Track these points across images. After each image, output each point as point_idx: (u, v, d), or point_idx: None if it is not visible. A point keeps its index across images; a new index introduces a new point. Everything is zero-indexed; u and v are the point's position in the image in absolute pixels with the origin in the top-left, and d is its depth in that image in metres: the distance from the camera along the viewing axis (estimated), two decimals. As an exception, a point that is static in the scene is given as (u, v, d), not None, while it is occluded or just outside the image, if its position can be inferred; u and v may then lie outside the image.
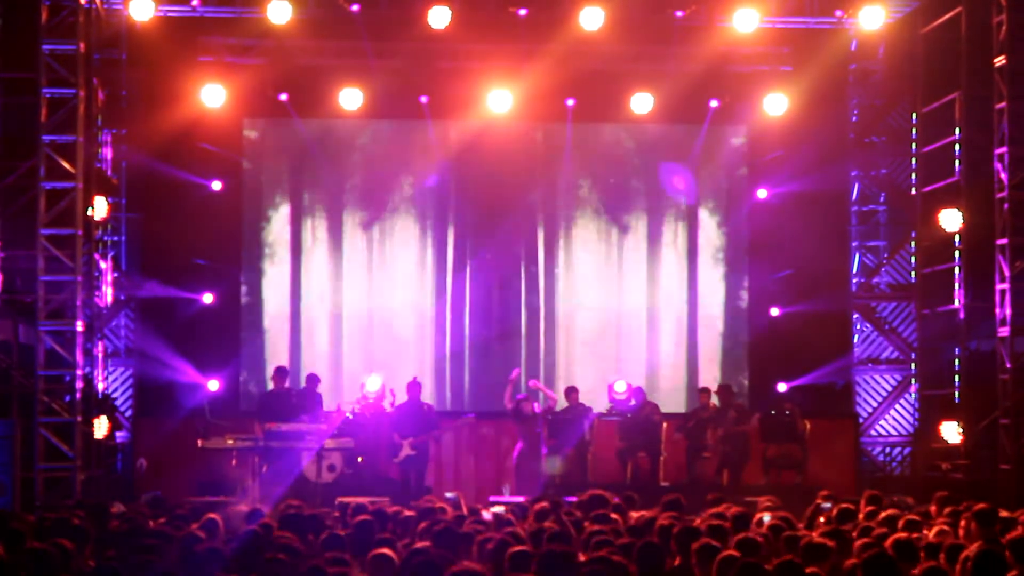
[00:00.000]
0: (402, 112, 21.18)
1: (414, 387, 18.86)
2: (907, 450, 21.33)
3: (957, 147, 20.09)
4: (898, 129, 21.61)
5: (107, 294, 19.72)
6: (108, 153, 20.25)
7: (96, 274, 18.95)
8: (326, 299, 21.39)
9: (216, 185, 20.82)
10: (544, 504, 12.44)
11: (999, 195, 18.46)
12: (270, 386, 19.61)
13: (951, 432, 19.92)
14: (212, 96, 20.28)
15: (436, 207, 21.59)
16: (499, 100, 20.65)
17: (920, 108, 21.06)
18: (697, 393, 20.20)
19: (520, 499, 16.42)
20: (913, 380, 21.41)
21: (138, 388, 20.69)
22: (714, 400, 19.70)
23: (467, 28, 20.14)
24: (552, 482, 18.34)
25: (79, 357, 17.73)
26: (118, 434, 19.94)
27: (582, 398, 19.39)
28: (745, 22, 19.90)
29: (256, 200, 21.39)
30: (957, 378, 20.16)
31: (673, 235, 21.76)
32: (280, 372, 19.30)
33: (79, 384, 17.70)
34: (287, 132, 21.30)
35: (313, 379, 19.34)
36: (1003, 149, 18.39)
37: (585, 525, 11.29)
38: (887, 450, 21.46)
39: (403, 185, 21.56)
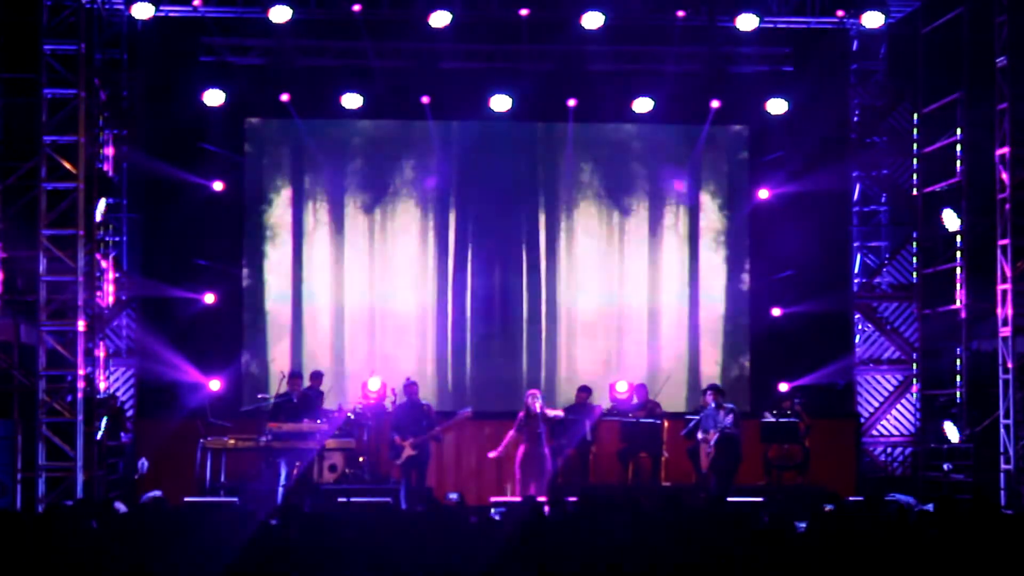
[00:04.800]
0: (403, 112, 21.20)
1: (410, 387, 18.81)
2: (908, 450, 21.33)
3: (958, 148, 20.09)
4: (899, 129, 21.60)
5: (108, 294, 19.73)
6: (109, 153, 20.25)
7: (97, 274, 18.95)
8: (327, 281, 21.42)
9: (217, 185, 20.84)
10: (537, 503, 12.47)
11: (1000, 196, 18.46)
12: (275, 381, 19.56)
13: (952, 432, 19.94)
14: (213, 96, 20.31)
15: (437, 196, 21.61)
16: (500, 100, 20.70)
17: (921, 108, 21.05)
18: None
19: (519, 499, 16.45)
20: (914, 380, 21.40)
21: (139, 388, 20.69)
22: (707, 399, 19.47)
23: (468, 28, 20.20)
24: (555, 482, 18.31)
25: (80, 357, 17.73)
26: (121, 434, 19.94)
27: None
28: (746, 22, 19.95)
29: (257, 184, 21.40)
30: (959, 378, 20.16)
31: (675, 218, 21.82)
32: (294, 376, 19.09)
33: (80, 384, 17.70)
34: (289, 130, 21.31)
35: (317, 376, 19.29)
36: (1004, 150, 18.39)
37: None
38: (888, 450, 21.46)
39: (404, 177, 21.56)
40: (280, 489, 17.64)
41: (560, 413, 18.78)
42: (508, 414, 19.04)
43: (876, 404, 21.55)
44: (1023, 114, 18.37)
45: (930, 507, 12.07)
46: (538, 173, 21.73)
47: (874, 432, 21.47)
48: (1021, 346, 18.40)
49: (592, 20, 19.69)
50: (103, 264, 19.42)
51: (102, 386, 19.50)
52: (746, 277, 21.72)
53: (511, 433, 18.48)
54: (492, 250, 21.54)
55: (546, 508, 12.23)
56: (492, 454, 18.70)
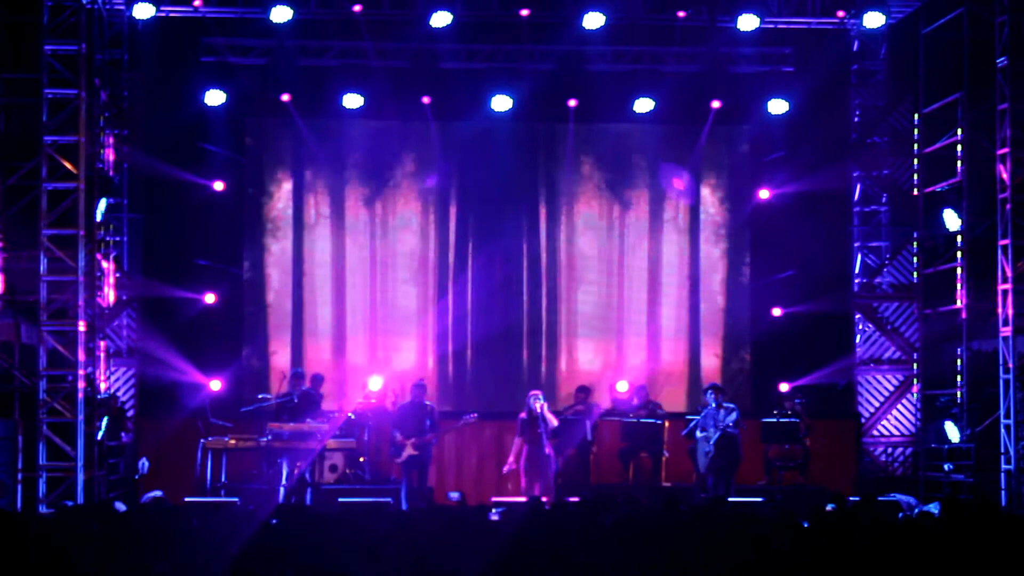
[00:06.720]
0: (403, 112, 21.21)
1: (417, 388, 18.77)
2: (909, 450, 21.32)
3: (959, 148, 20.08)
4: (900, 130, 21.61)
5: (109, 294, 19.72)
6: (110, 153, 20.24)
7: (98, 274, 18.94)
8: (328, 275, 21.45)
9: (218, 185, 20.85)
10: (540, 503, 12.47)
11: (1001, 196, 18.47)
12: (276, 378, 19.58)
13: (953, 432, 19.93)
14: (214, 96, 20.33)
15: (438, 194, 21.65)
16: (501, 100, 20.72)
17: (922, 108, 21.04)
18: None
19: (523, 499, 16.44)
20: (915, 380, 21.40)
21: (140, 388, 20.69)
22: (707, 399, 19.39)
23: (468, 28, 20.21)
24: (556, 482, 18.31)
25: (81, 357, 17.73)
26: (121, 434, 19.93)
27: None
28: (746, 23, 19.96)
29: (258, 176, 21.41)
30: (959, 378, 20.15)
31: (675, 212, 21.85)
32: (295, 376, 19.09)
33: (81, 384, 17.70)
34: (289, 129, 21.33)
35: (318, 379, 19.30)
36: (1005, 150, 18.39)
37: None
38: (889, 450, 21.45)
39: (405, 171, 21.60)
40: (280, 489, 17.64)
41: (555, 421, 18.48)
42: (509, 414, 19.03)
43: (876, 404, 21.54)
44: (1023, 114, 18.37)
45: (930, 507, 12.09)
46: (539, 172, 21.77)
47: (875, 432, 21.47)
48: (1021, 346, 18.40)
49: (592, 20, 19.72)
50: (103, 264, 19.41)
51: (103, 386, 19.49)
52: (746, 271, 21.74)
53: (516, 441, 18.37)
54: (493, 246, 21.57)
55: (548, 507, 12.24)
56: (506, 469, 18.50)
